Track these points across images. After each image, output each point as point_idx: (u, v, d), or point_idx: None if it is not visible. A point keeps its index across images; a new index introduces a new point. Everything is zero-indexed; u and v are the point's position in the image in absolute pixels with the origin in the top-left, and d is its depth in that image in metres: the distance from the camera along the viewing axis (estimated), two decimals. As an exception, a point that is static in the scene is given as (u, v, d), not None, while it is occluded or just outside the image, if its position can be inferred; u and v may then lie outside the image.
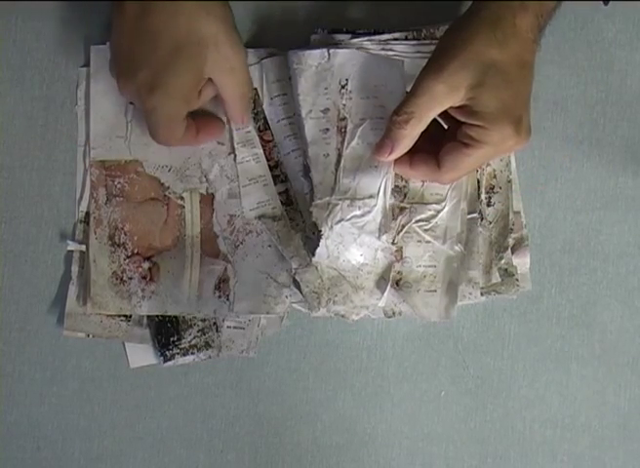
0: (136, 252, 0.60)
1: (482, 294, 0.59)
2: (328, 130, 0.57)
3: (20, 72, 0.61)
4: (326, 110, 0.57)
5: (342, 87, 0.57)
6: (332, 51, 0.57)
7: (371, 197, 0.56)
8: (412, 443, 0.60)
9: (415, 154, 0.54)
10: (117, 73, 0.54)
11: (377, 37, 0.59)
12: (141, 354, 0.60)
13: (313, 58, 0.57)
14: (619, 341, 0.60)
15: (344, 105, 0.57)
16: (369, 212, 0.56)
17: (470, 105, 0.50)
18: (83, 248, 0.60)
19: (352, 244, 0.57)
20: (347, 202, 0.56)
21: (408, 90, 0.53)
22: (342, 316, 0.58)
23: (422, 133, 0.52)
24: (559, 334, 0.60)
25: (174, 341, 0.59)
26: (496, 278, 0.58)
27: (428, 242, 0.58)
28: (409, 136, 0.52)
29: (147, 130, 0.55)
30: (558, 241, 0.60)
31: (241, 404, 0.61)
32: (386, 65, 0.57)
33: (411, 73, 0.55)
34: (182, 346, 0.59)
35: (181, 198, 0.60)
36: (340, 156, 0.57)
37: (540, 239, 0.60)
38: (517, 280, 0.59)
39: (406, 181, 0.59)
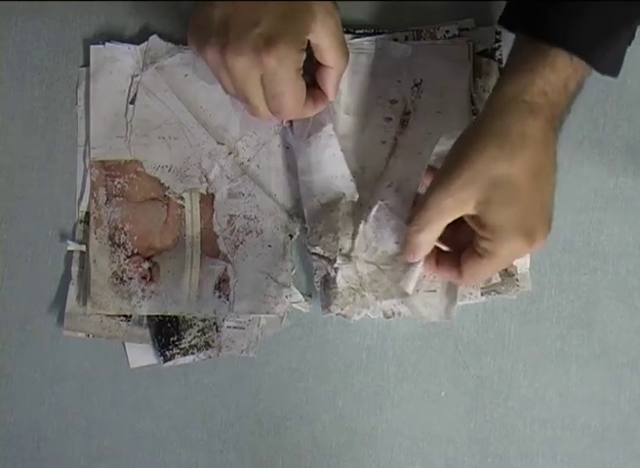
0: (136, 252, 0.60)
1: (482, 294, 0.59)
2: (391, 119, 0.59)
3: (20, 72, 0.61)
4: (394, 101, 0.59)
5: (416, 85, 0.59)
6: (414, 49, 0.59)
7: (407, 180, 0.58)
8: (412, 443, 0.60)
9: (441, 255, 0.54)
10: (223, 42, 0.50)
11: (377, 37, 0.59)
12: (141, 354, 0.60)
13: (397, 50, 0.59)
14: (619, 341, 0.60)
15: (412, 102, 0.59)
16: (408, 199, 0.58)
17: (480, 217, 0.50)
18: (83, 248, 0.60)
19: (387, 228, 0.57)
20: (387, 183, 0.58)
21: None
22: (344, 316, 0.58)
23: (457, 240, 0.53)
24: (559, 334, 0.60)
25: (174, 341, 0.59)
26: (496, 278, 0.58)
27: None
28: (424, 242, 0.52)
29: (268, 105, 0.53)
30: (558, 241, 0.60)
31: (241, 404, 0.61)
32: (457, 67, 0.59)
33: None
34: (182, 346, 0.59)
35: (181, 198, 0.60)
36: (395, 145, 0.59)
37: (540, 239, 0.60)
38: (517, 280, 0.59)
39: None
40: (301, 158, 0.58)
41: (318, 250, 0.57)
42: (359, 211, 0.58)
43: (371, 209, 0.57)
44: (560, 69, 0.49)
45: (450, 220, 0.51)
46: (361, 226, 0.57)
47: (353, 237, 0.57)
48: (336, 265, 0.57)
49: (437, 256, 0.55)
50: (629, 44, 0.51)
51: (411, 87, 0.59)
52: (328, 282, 0.57)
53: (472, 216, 0.50)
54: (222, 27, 0.50)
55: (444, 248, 0.54)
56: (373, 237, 0.57)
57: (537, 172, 0.49)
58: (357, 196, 0.58)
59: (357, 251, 0.57)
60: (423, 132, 0.59)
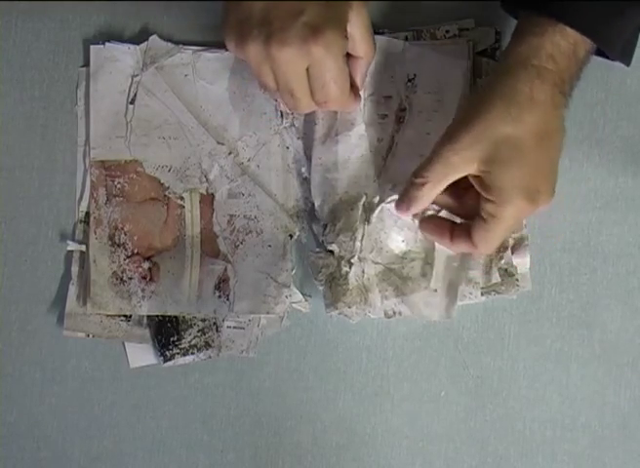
0: (136, 252, 0.60)
1: (482, 294, 0.59)
2: (386, 116, 0.59)
3: (20, 72, 0.61)
4: (388, 97, 0.59)
5: (409, 80, 0.59)
6: (407, 44, 0.59)
7: None
8: (412, 443, 0.60)
9: (455, 229, 0.54)
10: (267, 33, 0.49)
11: (376, 37, 0.59)
12: (141, 354, 0.60)
13: (389, 45, 0.59)
14: (619, 341, 0.60)
15: (407, 97, 0.59)
16: None
17: (484, 178, 0.50)
18: (83, 248, 0.60)
19: (393, 228, 0.57)
20: (390, 185, 0.58)
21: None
22: (346, 315, 0.58)
23: (465, 206, 0.54)
24: (559, 334, 0.60)
25: (174, 341, 0.59)
26: (496, 278, 0.58)
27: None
28: (425, 197, 0.52)
29: (313, 96, 0.52)
30: (558, 241, 0.60)
31: (241, 404, 0.61)
32: (451, 65, 0.59)
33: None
34: (182, 346, 0.59)
35: (181, 198, 0.60)
36: (392, 143, 0.58)
37: (540, 239, 0.60)
38: (517, 280, 0.59)
39: None
40: (327, 155, 0.58)
41: (334, 247, 0.57)
42: (363, 212, 0.58)
43: (373, 210, 0.57)
44: (569, 35, 0.49)
45: (453, 179, 0.51)
46: (365, 228, 0.57)
47: (361, 239, 0.57)
48: (353, 261, 0.57)
49: (451, 232, 0.54)
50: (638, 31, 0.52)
51: (405, 82, 0.59)
52: (336, 279, 0.57)
53: (476, 177, 0.51)
54: (265, 20, 0.50)
55: (457, 219, 0.55)
56: (377, 238, 0.57)
57: (543, 134, 0.50)
58: (377, 197, 0.58)
59: (364, 252, 0.57)
60: (422, 131, 0.59)
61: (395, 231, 0.58)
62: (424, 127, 0.59)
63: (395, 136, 0.59)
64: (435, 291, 0.58)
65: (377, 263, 0.58)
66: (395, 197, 0.56)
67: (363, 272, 0.57)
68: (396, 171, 0.58)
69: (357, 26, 0.51)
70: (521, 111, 0.49)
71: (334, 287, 0.57)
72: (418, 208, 0.53)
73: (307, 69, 0.51)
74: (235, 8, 0.51)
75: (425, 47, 0.59)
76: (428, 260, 0.58)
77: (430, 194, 0.52)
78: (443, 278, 0.59)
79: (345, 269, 0.57)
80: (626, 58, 0.52)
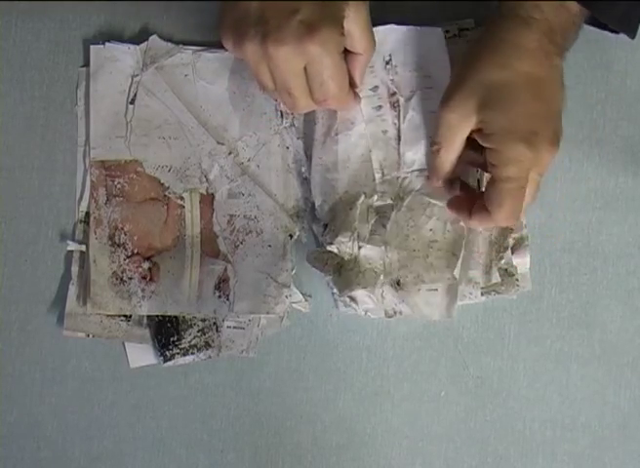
0: (136, 252, 0.60)
1: (482, 294, 0.59)
2: (381, 107, 0.58)
3: (20, 72, 0.61)
4: (375, 88, 0.59)
5: (387, 63, 0.58)
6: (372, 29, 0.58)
7: None
8: (412, 443, 0.60)
9: (475, 204, 0.54)
10: (263, 33, 0.49)
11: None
12: (141, 354, 0.60)
13: None
14: (619, 341, 0.60)
15: (392, 80, 0.58)
16: None
17: (483, 129, 0.51)
18: (83, 248, 0.60)
19: (422, 217, 0.58)
20: (416, 173, 0.58)
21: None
22: (356, 303, 0.58)
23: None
24: (559, 334, 0.60)
25: (174, 341, 0.59)
26: (496, 278, 0.58)
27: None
28: (445, 162, 0.54)
29: (311, 94, 0.52)
30: (558, 241, 0.60)
31: (241, 404, 0.61)
32: (425, 36, 0.58)
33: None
34: (182, 346, 0.59)
35: (181, 198, 0.60)
36: (398, 131, 0.58)
37: (540, 239, 0.60)
38: (517, 280, 0.59)
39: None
40: (328, 155, 0.58)
41: (333, 248, 0.57)
42: (372, 208, 0.58)
43: (404, 199, 0.58)
44: None
45: (462, 137, 0.52)
46: (393, 214, 0.57)
47: (384, 225, 0.57)
48: (360, 244, 0.57)
49: (468, 209, 0.55)
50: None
51: (383, 67, 0.58)
52: (344, 265, 0.57)
53: (478, 131, 0.51)
54: (261, 19, 0.50)
55: (475, 189, 0.56)
56: (405, 225, 0.57)
57: (537, 81, 0.50)
58: (376, 197, 0.58)
59: (388, 236, 0.57)
60: (425, 111, 0.58)
61: (423, 220, 0.58)
62: (425, 106, 0.58)
63: (397, 124, 0.59)
64: (436, 290, 0.58)
65: (400, 249, 0.57)
66: (424, 182, 0.58)
67: (384, 257, 0.57)
68: (413, 157, 0.58)
69: (355, 23, 0.51)
70: (508, 58, 0.50)
71: (344, 272, 0.57)
72: (443, 174, 0.55)
73: (305, 68, 0.51)
74: (231, 8, 0.51)
75: (390, 25, 0.58)
76: (455, 252, 0.58)
77: (448, 158, 0.54)
78: (458, 264, 0.58)
79: (355, 251, 0.57)
80: (629, 28, 0.52)
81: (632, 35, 0.53)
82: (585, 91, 0.60)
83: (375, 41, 0.54)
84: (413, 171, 0.58)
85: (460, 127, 0.52)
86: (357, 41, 0.52)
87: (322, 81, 0.52)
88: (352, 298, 0.58)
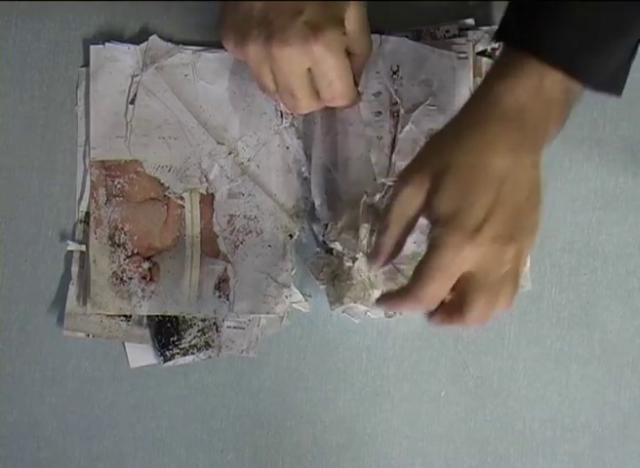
0: (136, 252, 0.60)
1: (482, 294, 0.58)
2: (380, 113, 0.59)
3: (20, 72, 0.61)
4: (378, 94, 0.59)
5: (394, 72, 0.59)
6: (383, 37, 0.59)
7: None
8: (412, 443, 0.60)
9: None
10: (267, 34, 0.49)
11: (377, 36, 0.59)
12: (141, 354, 0.60)
13: None
14: (619, 341, 0.60)
15: (396, 90, 0.59)
16: None
17: (429, 211, 0.47)
18: (83, 248, 0.60)
19: None
20: None
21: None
22: (349, 314, 0.58)
23: None
24: (559, 334, 0.60)
25: (174, 341, 0.59)
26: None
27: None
28: (389, 239, 0.50)
29: (320, 96, 0.52)
30: (558, 241, 0.60)
31: (241, 404, 0.61)
32: (437, 57, 0.59)
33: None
34: (182, 346, 0.59)
35: (181, 198, 0.60)
36: (394, 140, 0.59)
37: (539, 239, 0.60)
38: (517, 280, 0.59)
39: None
40: (328, 155, 0.59)
41: (337, 245, 0.58)
42: (372, 207, 0.58)
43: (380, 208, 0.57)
44: (529, 74, 0.46)
45: (411, 212, 0.48)
46: (377, 225, 0.57)
47: (370, 235, 0.57)
48: (357, 256, 0.57)
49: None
50: (629, 60, 0.49)
51: (390, 75, 0.59)
52: (339, 276, 0.58)
53: (426, 212, 0.48)
54: (265, 20, 0.50)
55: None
56: None
57: (498, 176, 0.46)
58: (378, 196, 0.58)
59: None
60: (424, 127, 0.59)
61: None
62: (425, 122, 0.59)
63: (394, 132, 0.59)
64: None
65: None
66: None
67: (370, 268, 0.57)
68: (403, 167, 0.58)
69: (354, 24, 0.52)
70: (469, 146, 0.46)
71: (337, 283, 0.57)
72: (385, 254, 0.50)
73: (309, 69, 0.51)
74: (233, 8, 0.51)
75: (402, 38, 0.59)
76: None
77: (393, 234, 0.50)
78: None
79: (348, 264, 0.57)
80: (614, 88, 0.49)
81: (618, 94, 0.50)
82: (585, 91, 0.60)
83: (372, 42, 0.54)
84: None
85: (410, 202, 0.48)
86: (356, 41, 0.53)
87: (330, 81, 0.52)
88: (345, 311, 0.58)
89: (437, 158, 0.47)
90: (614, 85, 0.49)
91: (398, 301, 0.49)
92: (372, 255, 0.52)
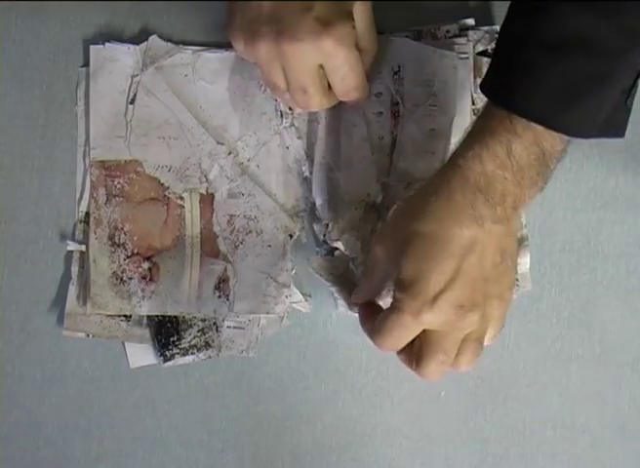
0: (136, 252, 0.60)
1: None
2: (381, 113, 0.59)
3: (20, 72, 0.61)
4: (379, 94, 0.59)
5: (395, 73, 0.59)
6: (385, 37, 0.59)
7: (424, 180, 0.57)
8: (412, 443, 0.60)
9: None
10: (277, 31, 0.50)
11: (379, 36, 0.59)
12: (141, 354, 0.60)
13: None
14: (619, 341, 0.60)
15: (397, 91, 0.59)
16: None
17: (397, 272, 0.48)
18: (83, 248, 0.60)
19: None
20: (404, 184, 0.58)
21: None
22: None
23: None
24: (559, 334, 0.60)
25: (174, 341, 0.59)
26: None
27: None
28: (365, 289, 0.54)
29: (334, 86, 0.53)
30: (558, 241, 0.60)
31: (241, 404, 0.61)
32: (438, 57, 0.59)
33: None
34: (182, 346, 0.59)
35: (181, 198, 0.60)
36: (394, 140, 0.59)
37: (539, 239, 0.60)
38: (517, 280, 0.59)
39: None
40: (330, 155, 0.59)
41: (339, 245, 0.58)
42: (374, 208, 0.58)
43: (388, 208, 0.57)
44: (499, 140, 0.45)
45: (381, 272, 0.51)
46: (379, 225, 0.57)
47: (371, 235, 0.57)
48: (360, 259, 0.57)
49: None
50: (626, 102, 0.48)
51: (391, 76, 0.59)
52: (348, 279, 0.58)
53: (392, 274, 0.49)
54: (274, 17, 0.50)
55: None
56: None
57: (449, 239, 0.46)
58: (381, 197, 0.58)
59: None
60: (425, 127, 0.59)
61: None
62: (425, 122, 0.59)
63: (395, 132, 0.59)
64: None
65: None
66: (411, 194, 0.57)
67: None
68: (406, 169, 0.58)
69: (360, 20, 0.52)
70: (438, 210, 0.47)
71: (349, 286, 0.58)
72: (361, 299, 0.55)
73: (320, 66, 0.52)
74: (242, 8, 0.52)
75: (404, 38, 0.59)
76: None
77: (368, 286, 0.54)
78: None
79: (353, 268, 0.57)
80: (613, 132, 0.49)
81: (621, 136, 0.49)
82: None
83: (377, 39, 0.54)
84: (402, 181, 0.58)
85: (380, 262, 0.50)
86: (362, 38, 0.53)
87: (344, 74, 0.52)
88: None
89: (404, 224, 0.48)
90: (611, 129, 0.49)
91: (367, 332, 0.52)
92: (355, 296, 0.56)
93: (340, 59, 0.51)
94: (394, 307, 0.48)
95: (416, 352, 0.49)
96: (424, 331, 0.48)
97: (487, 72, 0.49)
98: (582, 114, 0.45)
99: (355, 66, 0.53)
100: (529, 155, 0.46)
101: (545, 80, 0.44)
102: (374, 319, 0.50)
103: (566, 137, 0.46)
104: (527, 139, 0.45)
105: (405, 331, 0.48)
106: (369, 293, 0.54)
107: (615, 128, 0.49)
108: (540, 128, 0.45)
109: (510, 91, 0.45)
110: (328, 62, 0.52)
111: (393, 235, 0.49)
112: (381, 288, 0.53)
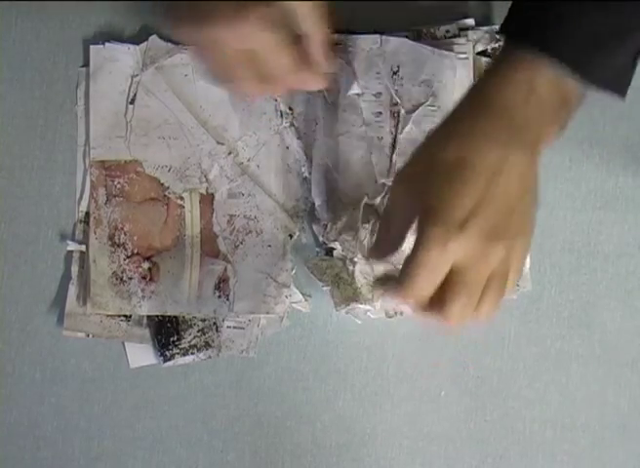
0: (135, 252, 0.60)
1: (482, 294, 0.59)
2: (381, 113, 0.59)
3: (20, 72, 0.61)
4: (378, 94, 0.59)
5: (394, 73, 0.59)
6: (384, 37, 0.59)
7: None
8: (412, 443, 0.60)
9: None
10: (198, 17, 0.48)
11: (353, 36, 0.59)
12: (141, 354, 0.60)
13: (366, 42, 0.59)
14: (619, 341, 0.60)
15: (397, 91, 0.59)
16: None
17: (419, 205, 0.47)
18: (83, 248, 0.60)
19: None
20: None
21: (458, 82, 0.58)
22: (352, 315, 0.58)
23: None
24: (559, 334, 0.60)
25: (174, 341, 0.59)
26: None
27: None
28: (385, 238, 0.50)
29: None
30: (558, 241, 0.60)
31: (241, 404, 0.61)
32: (437, 57, 0.59)
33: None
34: (182, 346, 0.59)
35: (181, 198, 0.60)
36: (394, 140, 0.59)
37: (540, 239, 0.60)
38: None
39: None
40: (329, 156, 0.59)
41: (336, 245, 0.58)
42: (373, 208, 0.58)
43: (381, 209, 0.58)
44: (521, 73, 0.46)
45: (402, 213, 0.48)
46: (379, 223, 0.57)
47: (372, 235, 0.57)
48: (355, 259, 0.57)
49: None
50: (635, 61, 0.48)
51: (390, 76, 0.59)
52: (343, 278, 0.58)
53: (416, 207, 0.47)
54: (194, 3, 0.48)
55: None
56: None
57: (486, 173, 0.45)
58: (379, 198, 0.58)
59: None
60: (425, 128, 0.59)
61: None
62: (425, 123, 0.59)
63: (394, 133, 0.59)
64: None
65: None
66: None
67: (372, 269, 0.57)
68: None
69: (300, 4, 0.49)
70: (461, 142, 0.46)
71: (342, 286, 0.58)
72: (383, 254, 0.50)
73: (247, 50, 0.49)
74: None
75: (403, 39, 0.59)
76: None
77: (390, 234, 0.49)
78: None
79: (351, 268, 0.57)
80: (616, 87, 0.48)
81: (620, 94, 0.49)
82: (585, 91, 0.60)
83: (326, 20, 0.50)
84: None
85: (401, 204, 0.48)
86: (303, 22, 0.49)
87: (263, 60, 0.49)
88: (348, 311, 0.58)
89: (427, 155, 0.47)
90: (618, 85, 0.49)
91: (392, 294, 0.48)
92: (373, 251, 0.52)
93: (257, 43, 0.48)
94: (419, 244, 0.45)
95: (440, 297, 0.47)
96: (449, 273, 0.46)
97: (510, 14, 0.48)
98: (605, 60, 0.46)
99: (274, 51, 0.49)
100: (550, 93, 0.46)
101: (577, 25, 0.45)
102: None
103: (580, 89, 0.47)
104: (548, 79, 0.46)
105: (433, 268, 0.46)
106: (388, 246, 0.50)
107: (619, 86, 0.49)
108: (561, 71, 0.45)
109: (542, 32, 0.46)
110: (247, 47, 0.49)
111: (414, 169, 0.48)
112: (402, 237, 0.49)
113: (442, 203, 0.45)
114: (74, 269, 0.60)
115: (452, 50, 0.59)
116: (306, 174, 0.60)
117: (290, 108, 0.60)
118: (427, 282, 0.46)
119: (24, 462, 0.61)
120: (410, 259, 0.46)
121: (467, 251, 0.45)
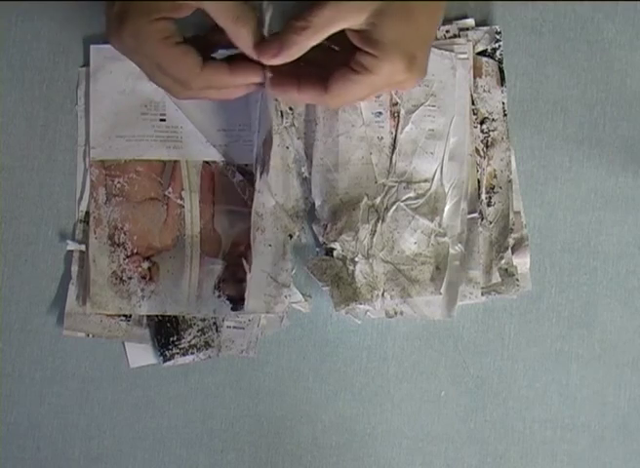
0: (135, 251, 0.60)
1: (482, 294, 0.59)
2: (381, 114, 0.59)
3: (20, 72, 0.61)
4: (378, 94, 0.59)
5: None
6: None
7: (426, 181, 0.58)
8: (412, 443, 0.60)
9: (302, 78, 0.50)
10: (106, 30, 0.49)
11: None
12: (141, 354, 0.60)
13: None
14: (619, 341, 0.60)
15: (396, 91, 0.59)
16: (423, 195, 0.58)
17: (369, 31, 0.48)
18: (83, 248, 0.60)
19: (406, 229, 0.58)
20: (404, 184, 0.58)
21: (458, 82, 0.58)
22: (352, 315, 0.58)
23: (312, 59, 0.49)
24: (559, 334, 0.60)
25: (173, 341, 0.59)
26: (496, 278, 0.58)
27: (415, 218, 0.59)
28: (300, 44, 0.48)
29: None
30: (558, 241, 0.60)
31: (241, 404, 0.61)
32: (437, 57, 0.58)
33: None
34: (182, 346, 0.59)
35: (181, 198, 0.60)
36: (394, 140, 0.59)
37: (540, 239, 0.60)
38: (517, 280, 0.59)
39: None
40: (329, 156, 0.59)
41: (336, 245, 0.58)
42: (373, 208, 0.58)
43: (388, 209, 0.57)
44: None
45: (338, 28, 0.47)
46: (379, 225, 0.57)
47: (372, 235, 0.57)
48: (355, 259, 0.57)
49: (299, 79, 0.50)
50: None
51: None
52: (342, 278, 0.58)
53: (358, 31, 0.48)
54: (106, 16, 0.49)
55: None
56: (390, 237, 0.58)
57: (433, 5, 0.50)
58: (379, 198, 0.58)
59: (374, 249, 0.57)
60: (424, 128, 0.59)
61: (408, 232, 0.58)
62: (425, 123, 0.59)
63: (394, 133, 0.59)
64: (436, 290, 0.58)
65: (386, 262, 0.58)
66: (410, 194, 0.57)
67: (372, 269, 0.57)
68: (405, 169, 0.59)
69: (209, 4, 0.48)
70: None
71: (342, 286, 0.57)
72: (287, 56, 0.48)
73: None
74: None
75: None
76: (439, 266, 0.58)
77: (306, 43, 0.48)
78: (444, 278, 0.59)
79: (351, 268, 0.57)
80: None
81: None
82: (585, 91, 0.60)
83: (243, 15, 0.48)
84: (401, 181, 0.58)
85: (346, 17, 0.47)
86: (216, 19, 0.49)
87: (152, 73, 0.49)
88: (348, 311, 0.58)
89: None
90: None
91: (310, 99, 0.51)
92: (268, 49, 0.48)
93: (143, 56, 0.48)
94: (367, 71, 0.48)
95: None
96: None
97: None
98: None
99: (161, 64, 0.48)
100: None
101: None
102: (293, 80, 0.50)
103: None
104: None
105: (366, 93, 0.50)
106: (300, 50, 0.48)
107: None
108: None
109: None
110: (139, 58, 0.49)
111: None
112: (319, 41, 0.48)
113: (399, 36, 0.48)
114: (74, 269, 0.60)
115: (452, 50, 0.59)
116: (306, 174, 0.60)
117: (290, 108, 0.60)
118: (352, 100, 0.51)
119: (24, 462, 0.61)
120: (343, 80, 0.49)
121: (400, 84, 0.50)
